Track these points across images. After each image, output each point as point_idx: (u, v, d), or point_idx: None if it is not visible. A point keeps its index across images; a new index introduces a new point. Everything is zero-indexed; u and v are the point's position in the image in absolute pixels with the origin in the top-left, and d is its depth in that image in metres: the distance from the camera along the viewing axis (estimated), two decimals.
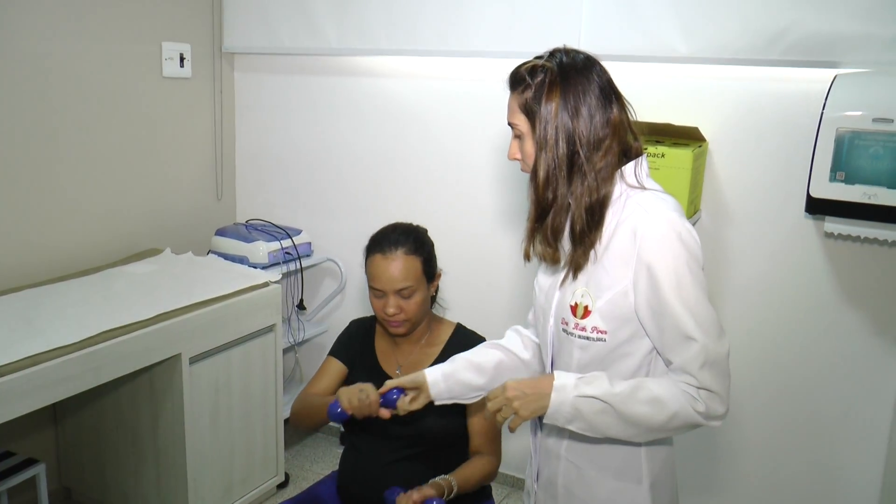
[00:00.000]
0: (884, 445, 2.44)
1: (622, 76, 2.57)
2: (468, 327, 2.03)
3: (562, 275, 1.47)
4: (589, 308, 1.42)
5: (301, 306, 3.27)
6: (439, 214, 2.92)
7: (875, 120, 2.07)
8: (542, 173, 1.39)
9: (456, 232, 2.92)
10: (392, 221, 1.99)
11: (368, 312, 2.06)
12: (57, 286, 2.60)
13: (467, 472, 1.85)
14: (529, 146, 1.42)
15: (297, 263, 3.12)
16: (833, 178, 2.14)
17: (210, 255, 3.08)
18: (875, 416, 2.44)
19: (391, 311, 1.86)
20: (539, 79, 1.39)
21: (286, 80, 3.26)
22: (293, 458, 3.29)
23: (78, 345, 2.19)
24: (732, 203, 2.53)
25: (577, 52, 1.45)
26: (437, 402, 1.64)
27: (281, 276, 2.93)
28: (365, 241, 1.96)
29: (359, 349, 2.03)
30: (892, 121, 2.05)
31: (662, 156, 2.36)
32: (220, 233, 3.16)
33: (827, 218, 2.25)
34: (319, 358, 3.42)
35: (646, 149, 2.34)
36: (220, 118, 3.32)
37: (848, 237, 2.36)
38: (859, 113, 2.09)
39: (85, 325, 2.27)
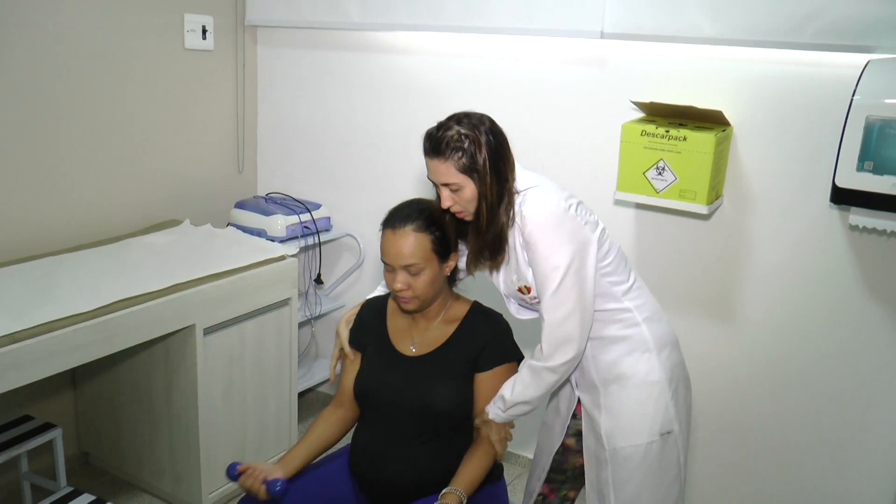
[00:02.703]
0: None
1: (646, 56, 2.54)
2: (485, 305, 2.02)
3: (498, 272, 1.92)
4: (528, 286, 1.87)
5: (318, 281, 3.27)
6: None
7: None
8: (486, 212, 1.77)
9: None
10: (411, 198, 1.97)
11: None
12: (75, 255, 2.63)
13: (474, 474, 1.84)
14: (468, 195, 1.77)
15: (316, 238, 3.12)
16: (861, 168, 2.07)
17: (229, 227, 3.09)
18: (893, 409, 2.39)
19: (398, 286, 1.86)
20: (465, 144, 1.73)
21: (308, 55, 3.24)
22: (305, 430, 3.31)
23: (92, 313, 2.22)
24: (755, 190, 2.47)
25: (472, 113, 1.79)
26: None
27: (299, 249, 2.94)
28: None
29: (370, 329, 2.02)
30: None
31: (684, 139, 2.31)
32: (240, 205, 3.17)
33: (852, 209, 2.18)
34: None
35: (667, 131, 2.32)
36: (243, 91, 3.32)
37: (874, 230, 2.30)
38: (892, 100, 2.01)
39: (100, 294, 2.30)
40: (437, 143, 1.75)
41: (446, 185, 1.77)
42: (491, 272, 1.91)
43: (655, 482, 1.88)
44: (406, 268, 1.84)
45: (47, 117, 2.66)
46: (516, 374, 1.87)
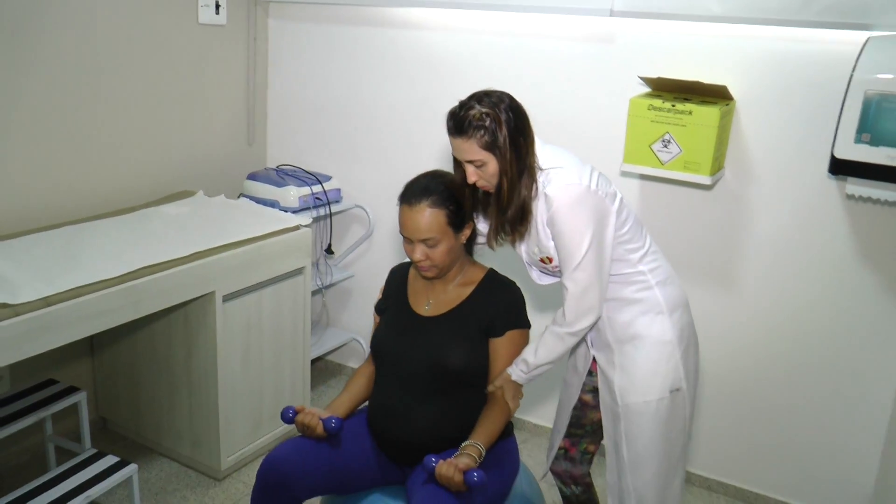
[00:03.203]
0: (890, 401, 2.52)
1: (653, 33, 2.62)
2: (500, 273, 2.11)
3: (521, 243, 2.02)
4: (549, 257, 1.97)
5: (329, 251, 3.35)
6: None
7: None
8: (507, 186, 1.86)
9: None
10: (421, 171, 2.05)
11: (395, 259, 2.15)
12: (95, 224, 2.69)
13: (491, 429, 1.94)
14: (491, 170, 1.85)
15: (327, 209, 3.20)
16: (858, 140, 2.17)
17: (242, 198, 3.16)
18: (884, 374, 2.51)
19: (418, 257, 1.96)
20: (487, 122, 1.81)
21: (319, 29, 3.30)
22: (318, 397, 3.41)
23: (119, 279, 2.29)
24: (757, 161, 2.56)
25: (492, 91, 1.87)
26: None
27: (311, 220, 3.01)
28: (393, 189, 2.03)
29: (394, 291, 2.14)
30: None
31: (690, 113, 2.39)
32: (252, 177, 3.24)
33: (849, 179, 2.29)
34: (346, 302, 3.55)
35: (673, 105, 2.41)
36: (254, 65, 3.38)
37: (869, 199, 2.40)
38: (890, 76, 2.11)
39: (125, 260, 2.37)
40: (460, 122, 1.83)
41: (471, 161, 1.85)
42: (514, 243, 2.01)
43: (664, 435, 1.99)
44: (424, 241, 1.94)
45: (66, 93, 2.71)
46: (539, 339, 1.98)
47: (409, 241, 1.97)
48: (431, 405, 1.97)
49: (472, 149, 1.84)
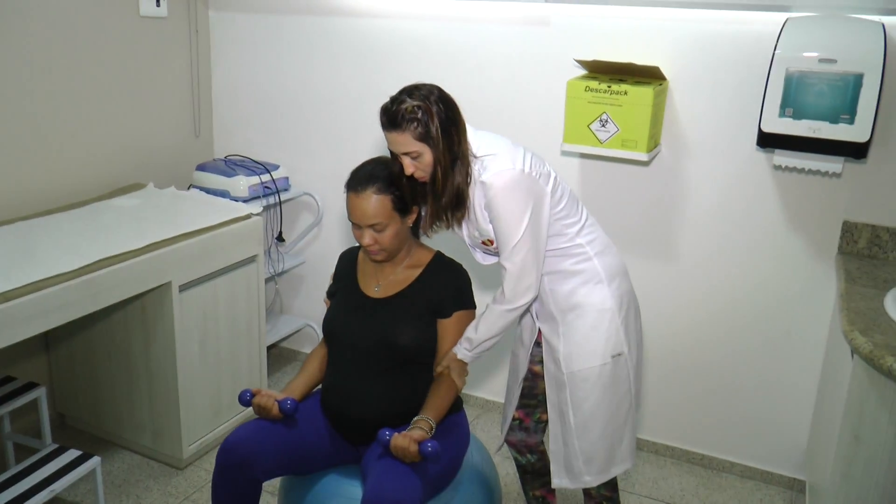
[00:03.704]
0: (820, 358, 2.70)
1: (587, 17, 2.73)
2: (447, 256, 2.19)
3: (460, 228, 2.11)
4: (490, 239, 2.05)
5: (280, 238, 3.39)
6: None
7: (821, 60, 2.24)
8: (440, 174, 1.93)
9: None
10: (367, 157, 2.11)
11: (345, 245, 2.21)
12: (48, 219, 2.69)
13: (440, 403, 2.03)
14: (427, 161, 1.92)
15: (276, 197, 3.24)
16: (782, 114, 2.33)
17: (192, 189, 3.17)
18: (813, 333, 2.69)
19: (367, 241, 2.02)
20: (419, 115, 1.88)
21: (261, 19, 3.33)
22: (275, 383, 3.46)
23: (77, 272, 2.31)
24: (690, 137, 2.71)
25: (422, 84, 1.94)
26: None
27: (261, 209, 3.05)
28: (341, 176, 2.09)
29: (344, 276, 2.20)
30: (836, 61, 2.22)
31: (625, 93, 2.51)
32: (201, 167, 3.25)
33: (776, 151, 2.45)
34: (298, 288, 3.60)
35: (609, 86, 2.52)
36: (196, 57, 3.38)
37: (794, 169, 2.56)
38: (807, 54, 2.26)
39: (81, 253, 2.38)
40: (393, 116, 1.89)
41: (406, 153, 1.92)
42: (452, 227, 2.08)
43: (608, 399, 2.10)
44: (371, 226, 2.00)
45: (8, 87, 2.69)
46: (479, 317, 2.08)
47: (357, 226, 2.03)
48: (382, 384, 2.04)
49: (407, 141, 1.90)
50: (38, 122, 2.81)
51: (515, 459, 2.34)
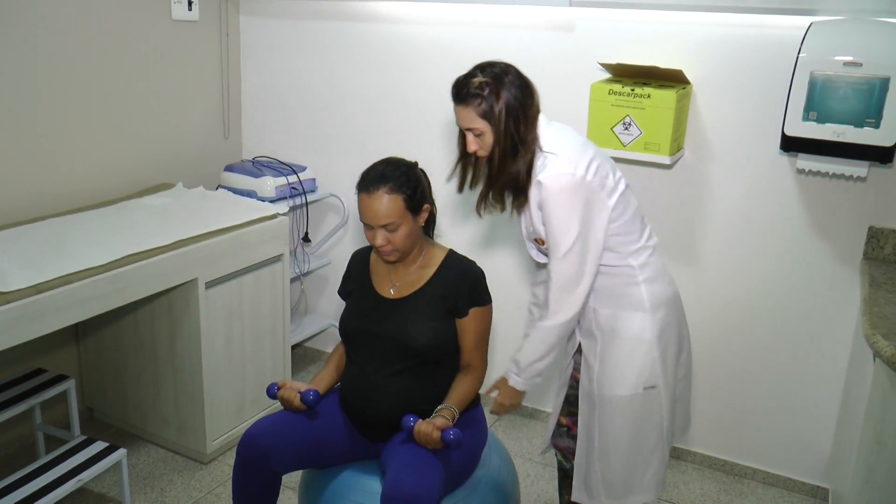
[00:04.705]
0: (844, 365, 2.67)
1: (611, 22, 2.75)
2: (460, 253, 2.19)
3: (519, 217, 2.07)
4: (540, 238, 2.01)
5: (306, 239, 3.44)
6: (434, 151, 3.06)
7: (846, 64, 2.23)
8: (498, 156, 1.91)
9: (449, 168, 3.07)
10: (382, 158, 2.10)
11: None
12: (79, 216, 2.76)
13: (462, 395, 2.04)
14: (488, 139, 1.90)
15: (303, 198, 3.28)
16: (806, 118, 2.31)
17: (220, 189, 3.23)
18: (838, 339, 2.66)
19: (379, 242, 2.02)
20: (486, 91, 1.87)
21: (289, 24, 3.39)
22: (300, 381, 3.49)
23: (106, 266, 2.37)
24: (714, 141, 2.70)
25: (497, 62, 1.92)
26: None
27: (288, 209, 3.10)
28: None
29: (357, 276, 2.21)
30: (861, 65, 2.21)
31: (648, 97, 2.52)
32: (229, 168, 3.31)
33: (800, 155, 2.44)
34: (323, 289, 3.64)
35: (632, 89, 2.53)
36: (227, 60, 3.45)
37: (818, 173, 2.55)
38: (832, 57, 2.25)
39: (111, 249, 2.44)
40: (460, 89, 1.90)
41: (470, 129, 1.91)
42: (513, 213, 2.06)
43: (634, 429, 2.04)
44: (384, 226, 2.00)
45: (45, 89, 2.77)
46: (524, 340, 2.04)
47: (369, 227, 2.03)
48: (400, 383, 2.05)
49: (470, 116, 1.89)
50: (71, 122, 2.89)
51: (560, 463, 2.29)
